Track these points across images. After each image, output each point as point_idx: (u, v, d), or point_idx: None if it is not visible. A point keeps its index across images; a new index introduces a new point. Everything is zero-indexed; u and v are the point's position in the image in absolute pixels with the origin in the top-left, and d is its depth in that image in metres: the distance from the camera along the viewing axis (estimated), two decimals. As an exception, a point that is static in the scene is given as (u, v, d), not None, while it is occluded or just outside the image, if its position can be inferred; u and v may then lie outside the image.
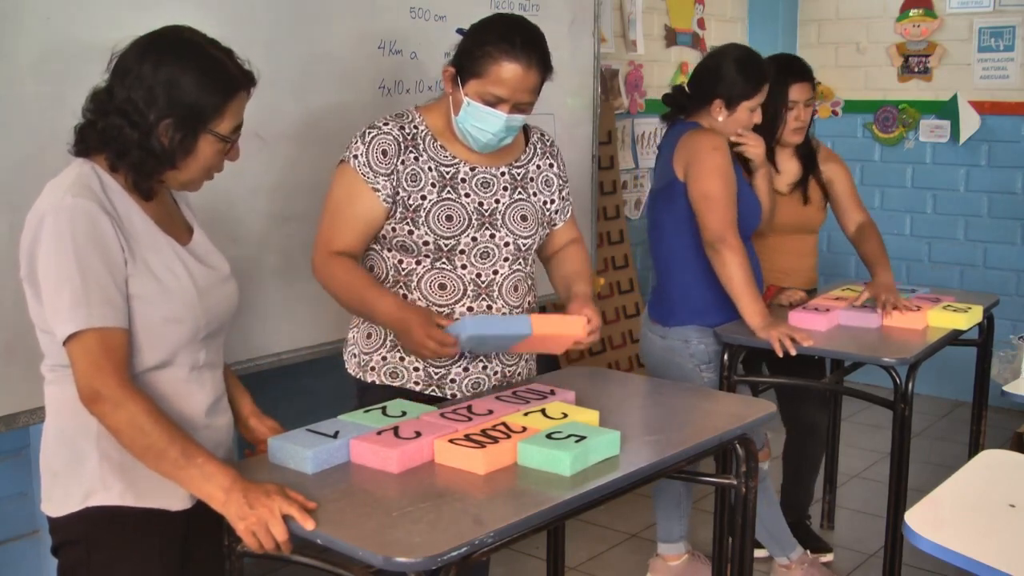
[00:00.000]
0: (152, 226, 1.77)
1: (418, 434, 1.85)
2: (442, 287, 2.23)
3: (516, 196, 2.31)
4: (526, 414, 1.99)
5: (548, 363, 3.60)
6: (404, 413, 1.98)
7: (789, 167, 3.33)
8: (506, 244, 2.27)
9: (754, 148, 3.05)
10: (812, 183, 3.33)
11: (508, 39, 2.14)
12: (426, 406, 2.04)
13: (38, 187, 1.75)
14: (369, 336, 2.31)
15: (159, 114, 1.70)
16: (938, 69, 5.23)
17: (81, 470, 1.75)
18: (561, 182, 2.43)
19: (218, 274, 1.89)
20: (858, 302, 3.14)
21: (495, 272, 2.26)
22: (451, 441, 1.83)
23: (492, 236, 2.25)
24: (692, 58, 5.00)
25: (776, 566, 3.30)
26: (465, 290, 2.24)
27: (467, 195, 2.24)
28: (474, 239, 2.23)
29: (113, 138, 1.71)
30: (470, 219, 2.23)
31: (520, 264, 2.31)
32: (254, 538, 1.61)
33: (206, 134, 1.75)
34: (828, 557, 3.45)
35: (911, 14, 5.25)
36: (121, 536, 1.76)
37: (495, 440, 1.84)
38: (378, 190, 2.19)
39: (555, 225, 2.42)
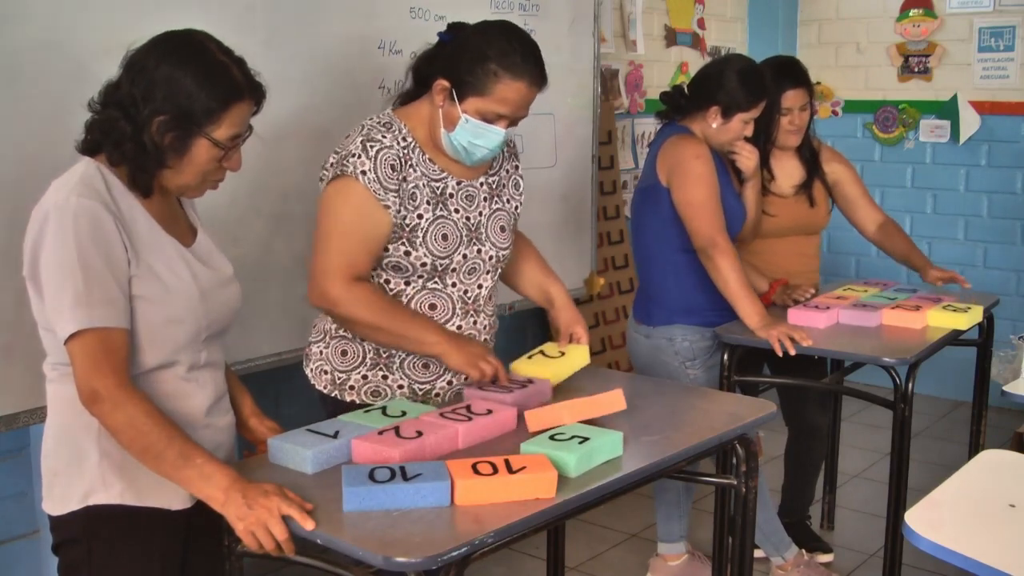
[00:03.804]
0: (156, 227, 1.77)
1: (419, 433, 1.85)
2: (432, 307, 2.21)
3: (494, 206, 2.29)
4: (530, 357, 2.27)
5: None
6: (404, 413, 1.99)
7: (792, 170, 3.32)
8: (490, 257, 2.27)
9: (747, 160, 3.06)
10: (817, 185, 3.33)
11: (511, 55, 2.07)
12: (426, 406, 2.04)
13: (39, 187, 1.75)
14: (344, 354, 2.23)
15: (153, 110, 1.69)
16: (938, 69, 5.23)
17: (82, 469, 1.75)
18: (522, 181, 2.41)
19: (221, 275, 1.89)
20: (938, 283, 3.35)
21: (479, 287, 2.27)
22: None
23: (479, 251, 2.24)
24: (692, 58, 5.00)
25: (772, 567, 3.30)
26: (454, 308, 2.23)
27: (456, 211, 2.21)
28: (464, 256, 2.22)
29: (109, 130, 1.71)
30: (461, 236, 2.20)
31: (495, 275, 2.32)
32: (253, 538, 1.61)
33: (201, 137, 1.72)
34: (828, 557, 3.45)
35: (911, 14, 5.25)
36: (121, 535, 1.77)
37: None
38: (388, 207, 2.11)
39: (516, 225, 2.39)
